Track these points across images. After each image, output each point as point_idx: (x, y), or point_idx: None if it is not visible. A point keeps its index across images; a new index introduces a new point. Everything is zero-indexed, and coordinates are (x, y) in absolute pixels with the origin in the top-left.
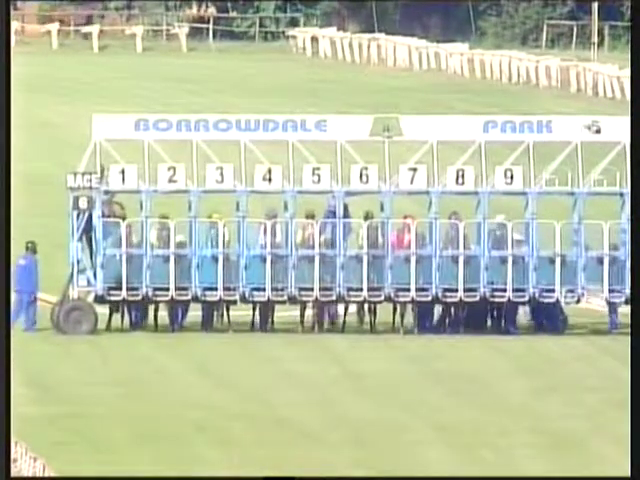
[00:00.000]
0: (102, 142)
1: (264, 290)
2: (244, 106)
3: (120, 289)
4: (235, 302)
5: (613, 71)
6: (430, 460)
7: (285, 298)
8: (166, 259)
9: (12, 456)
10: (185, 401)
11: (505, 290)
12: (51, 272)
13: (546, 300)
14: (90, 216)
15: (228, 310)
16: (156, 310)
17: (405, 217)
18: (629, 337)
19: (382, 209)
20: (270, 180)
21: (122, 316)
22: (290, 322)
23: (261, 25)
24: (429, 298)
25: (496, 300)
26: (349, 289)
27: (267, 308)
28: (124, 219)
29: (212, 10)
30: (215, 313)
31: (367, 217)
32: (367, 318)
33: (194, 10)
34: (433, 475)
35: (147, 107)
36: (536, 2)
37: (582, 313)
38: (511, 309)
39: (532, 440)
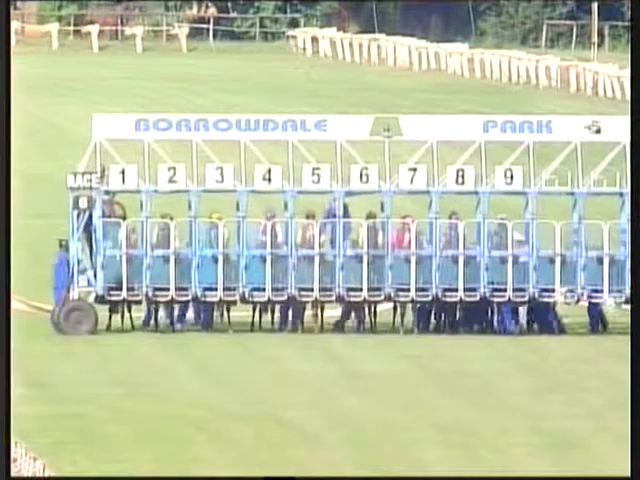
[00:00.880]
0: (102, 142)
1: (264, 290)
2: (244, 106)
3: (120, 289)
4: (235, 302)
5: (613, 71)
6: (430, 460)
7: (285, 298)
8: (166, 259)
9: (12, 456)
10: (185, 401)
11: (505, 290)
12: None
13: (546, 300)
14: (90, 216)
15: (228, 310)
16: (156, 310)
17: (404, 217)
18: (629, 337)
19: (382, 209)
20: (270, 180)
21: (122, 316)
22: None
23: (261, 25)
24: (429, 298)
25: (496, 300)
26: (349, 289)
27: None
28: (124, 219)
29: (212, 10)
30: (215, 313)
31: (369, 217)
32: (367, 318)
33: (194, 10)
34: (433, 475)
35: (147, 107)
36: (536, 2)
37: (582, 312)
38: (511, 309)
39: (532, 440)
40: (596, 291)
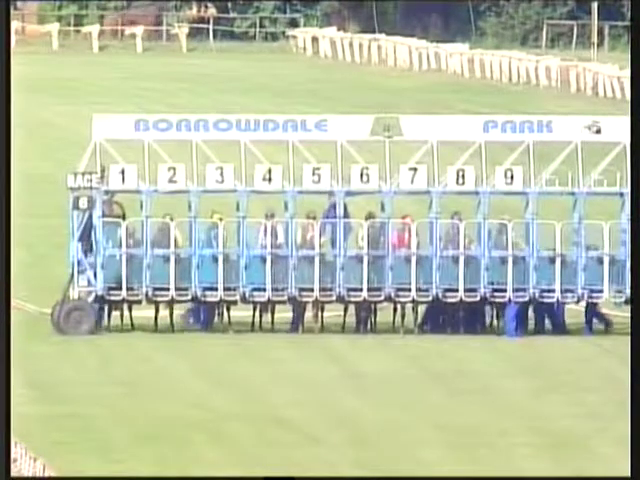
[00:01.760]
0: (102, 142)
1: (264, 290)
2: (244, 106)
3: (120, 289)
4: (235, 302)
5: (613, 71)
6: (430, 460)
7: (285, 298)
8: (166, 259)
9: (12, 456)
10: (185, 401)
11: (505, 290)
12: (51, 272)
13: (546, 300)
14: (90, 216)
15: (229, 310)
16: (157, 311)
17: (404, 217)
18: (629, 337)
19: (382, 209)
20: (270, 180)
21: (122, 316)
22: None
23: (261, 25)
24: (429, 298)
25: (496, 300)
26: (349, 289)
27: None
28: (124, 219)
29: (212, 10)
30: (215, 313)
31: (368, 218)
32: (367, 318)
33: (194, 10)
34: (433, 475)
35: (147, 107)
36: (536, 2)
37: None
38: (511, 309)
39: (532, 440)
40: (596, 291)
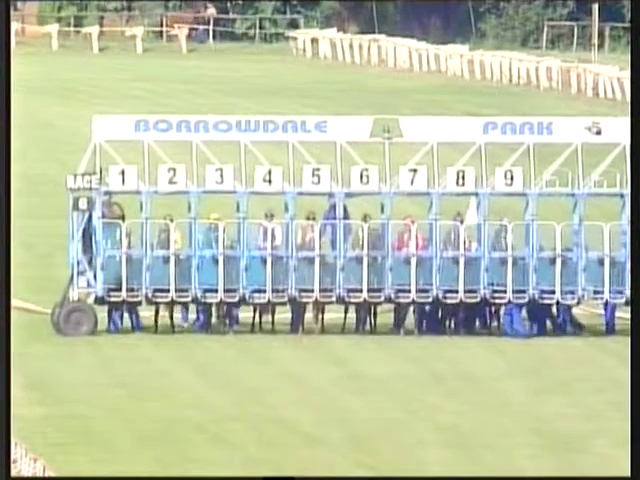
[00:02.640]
0: (102, 143)
1: (264, 292)
2: (244, 107)
3: (120, 290)
4: (235, 304)
5: (613, 72)
6: (430, 461)
7: (285, 299)
8: (166, 260)
9: (12, 457)
10: (185, 402)
11: (505, 291)
12: (51, 273)
13: (546, 301)
14: (90, 217)
15: (229, 311)
16: (156, 312)
17: (404, 218)
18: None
19: (382, 210)
20: (270, 181)
21: (121, 317)
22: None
23: (261, 26)
24: (429, 299)
25: (496, 301)
26: (349, 290)
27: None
28: (123, 220)
29: (212, 11)
30: (215, 314)
31: (365, 219)
32: (367, 319)
33: (194, 11)
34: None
35: (147, 108)
36: (536, 3)
37: (580, 314)
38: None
39: (532, 441)
40: (597, 292)
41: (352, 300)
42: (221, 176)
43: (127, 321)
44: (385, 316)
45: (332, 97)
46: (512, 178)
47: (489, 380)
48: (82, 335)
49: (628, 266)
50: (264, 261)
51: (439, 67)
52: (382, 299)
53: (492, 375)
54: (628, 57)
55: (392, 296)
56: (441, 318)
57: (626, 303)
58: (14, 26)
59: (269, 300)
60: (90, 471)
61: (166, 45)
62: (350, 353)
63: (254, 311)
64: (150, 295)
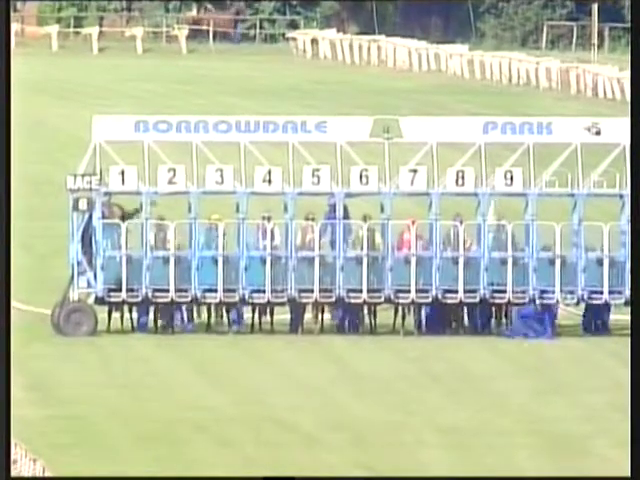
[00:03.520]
0: (102, 143)
1: (264, 292)
2: (244, 107)
3: (120, 290)
4: (235, 304)
5: (613, 72)
6: (430, 461)
7: (285, 300)
8: (166, 261)
9: (12, 457)
10: (185, 403)
11: (505, 291)
12: (51, 274)
13: (546, 302)
14: (90, 217)
15: (228, 312)
16: (156, 312)
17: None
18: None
19: (382, 210)
20: (270, 181)
21: (122, 317)
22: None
23: (261, 27)
24: (429, 300)
25: (496, 302)
26: (349, 290)
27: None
28: (123, 220)
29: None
30: (215, 315)
31: (365, 219)
32: (367, 320)
33: (194, 12)
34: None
35: (147, 108)
36: (536, 3)
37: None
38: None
39: (532, 441)
40: (596, 292)
41: (352, 300)
42: (221, 176)
43: (128, 322)
44: (385, 316)
45: (332, 97)
46: (512, 178)
47: (489, 380)
48: (82, 335)
49: (628, 266)
50: (264, 261)
51: (439, 67)
52: (382, 299)
53: (492, 375)
54: (628, 57)
55: (392, 296)
56: (441, 318)
57: (625, 303)
58: (14, 27)
59: (269, 300)
60: (90, 471)
61: (166, 46)
62: (350, 353)
63: (253, 311)
64: (150, 295)
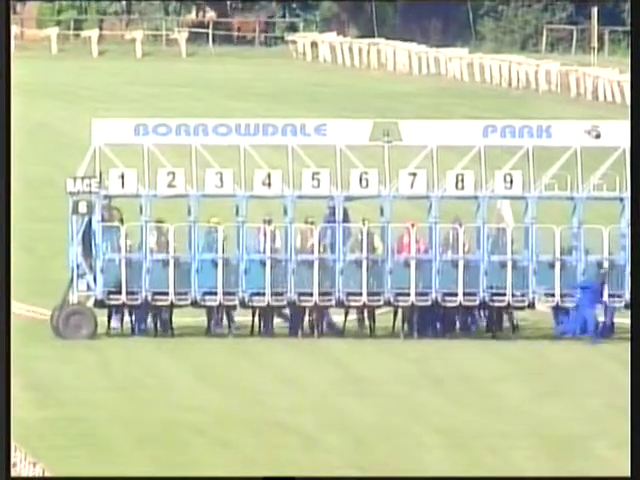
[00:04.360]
0: (102, 146)
1: (264, 295)
2: (244, 110)
3: (120, 293)
4: (235, 307)
5: (613, 75)
6: (430, 464)
7: (285, 303)
8: (165, 263)
9: (12, 460)
10: (184, 405)
11: (504, 294)
12: (51, 276)
13: (548, 304)
14: (90, 221)
15: (228, 315)
16: (155, 315)
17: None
18: (629, 342)
19: (382, 214)
20: (270, 185)
21: (122, 320)
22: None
23: (260, 30)
24: (429, 303)
25: (495, 305)
26: (349, 294)
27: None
28: (122, 223)
29: (212, 15)
30: (215, 317)
31: (364, 223)
32: (366, 323)
33: (194, 15)
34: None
35: (146, 112)
36: (535, 7)
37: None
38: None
39: (532, 444)
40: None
41: (351, 304)
42: (220, 180)
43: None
44: (385, 319)
45: (332, 101)
46: (511, 181)
47: (489, 383)
48: (81, 338)
49: (628, 269)
50: (263, 264)
51: (439, 70)
52: (381, 302)
53: (492, 378)
54: (628, 60)
55: (391, 299)
56: (441, 321)
57: (625, 307)
58: (13, 29)
59: (268, 303)
60: (89, 473)
61: (166, 49)
62: (349, 356)
63: (253, 314)
64: (150, 298)
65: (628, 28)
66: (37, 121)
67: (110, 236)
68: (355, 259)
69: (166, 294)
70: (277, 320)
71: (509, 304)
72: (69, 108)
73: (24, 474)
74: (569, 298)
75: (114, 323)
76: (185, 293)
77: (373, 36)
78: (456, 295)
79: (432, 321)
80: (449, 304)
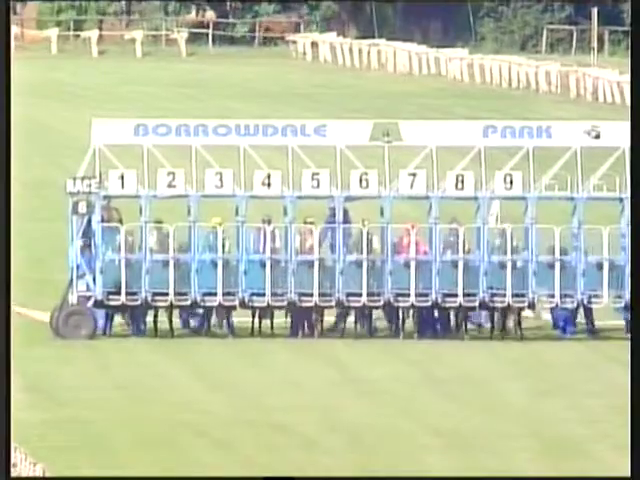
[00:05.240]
0: (101, 147)
1: (263, 295)
2: (243, 111)
3: (119, 294)
4: (234, 307)
5: (613, 76)
6: (430, 465)
7: (285, 303)
8: (165, 264)
9: (12, 461)
10: (185, 406)
11: (504, 295)
12: (50, 277)
13: (548, 305)
14: (89, 221)
15: (228, 315)
16: (155, 315)
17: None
18: (629, 342)
19: (382, 214)
20: (269, 185)
21: (111, 322)
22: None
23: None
24: (429, 303)
25: (496, 305)
26: (348, 294)
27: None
28: (122, 224)
29: (211, 15)
30: (214, 318)
31: (364, 223)
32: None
33: (193, 15)
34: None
35: (146, 112)
36: (535, 7)
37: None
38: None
39: (532, 444)
40: (595, 296)
41: (351, 304)
42: (220, 180)
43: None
44: (384, 320)
45: (332, 101)
46: (511, 182)
47: (489, 383)
48: (81, 338)
49: (627, 270)
50: (263, 265)
51: (439, 71)
52: (381, 303)
53: (492, 378)
54: (628, 61)
55: (391, 300)
56: (440, 321)
57: (625, 307)
58: (13, 30)
59: (268, 304)
60: (89, 474)
61: (166, 49)
62: (349, 357)
63: (253, 315)
64: (149, 299)
65: (628, 29)
66: (37, 121)
67: (110, 236)
68: (355, 260)
69: (166, 295)
70: (277, 320)
71: (509, 305)
72: (69, 108)
73: (24, 474)
74: (569, 298)
75: (104, 325)
76: (185, 294)
77: (373, 37)
78: (456, 296)
79: (432, 321)
80: (449, 305)
